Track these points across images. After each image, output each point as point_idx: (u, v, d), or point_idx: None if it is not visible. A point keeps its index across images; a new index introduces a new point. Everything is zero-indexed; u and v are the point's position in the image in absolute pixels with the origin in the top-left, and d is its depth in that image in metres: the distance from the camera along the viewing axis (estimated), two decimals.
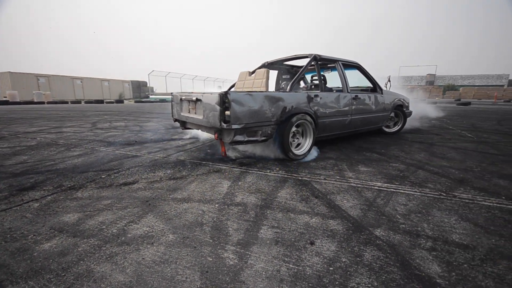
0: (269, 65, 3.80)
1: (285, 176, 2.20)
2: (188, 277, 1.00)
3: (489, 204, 1.65)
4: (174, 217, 1.48)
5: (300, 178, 2.14)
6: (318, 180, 2.10)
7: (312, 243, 1.23)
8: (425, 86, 44.68)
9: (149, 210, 1.57)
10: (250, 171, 2.32)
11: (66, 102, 17.21)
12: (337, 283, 0.97)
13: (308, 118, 2.73)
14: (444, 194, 1.80)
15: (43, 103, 16.20)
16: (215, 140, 2.75)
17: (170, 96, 3.55)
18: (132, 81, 30.81)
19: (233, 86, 3.83)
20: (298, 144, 2.80)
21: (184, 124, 3.14)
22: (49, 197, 1.76)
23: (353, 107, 3.29)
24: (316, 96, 2.85)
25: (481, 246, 1.20)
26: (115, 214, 1.52)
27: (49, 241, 1.24)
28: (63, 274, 1.02)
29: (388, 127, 4.39)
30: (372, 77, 3.75)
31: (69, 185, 1.98)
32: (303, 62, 3.42)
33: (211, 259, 1.11)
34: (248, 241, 1.25)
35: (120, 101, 18.33)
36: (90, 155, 2.93)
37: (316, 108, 2.83)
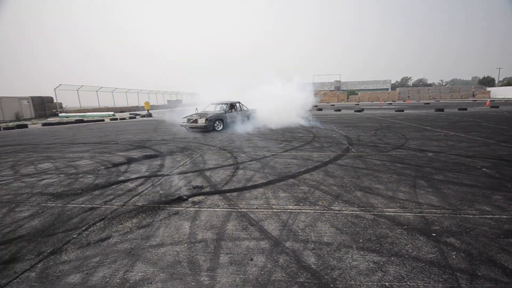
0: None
1: (229, 210, 3.03)
2: None
3: (347, 212, 2.87)
4: (158, 261, 2.12)
5: (240, 210, 3.01)
6: (252, 210, 3.01)
7: (251, 259, 2.10)
8: (334, 92, 52.69)
9: (135, 259, 2.16)
10: (203, 209, 3.06)
11: None
12: (265, 278, 1.86)
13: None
14: (326, 209, 2.97)
15: None
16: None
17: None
18: (32, 97, 26.08)
19: None
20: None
21: None
22: (39, 265, 2.11)
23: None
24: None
25: (336, 242, 2.31)
26: (110, 267, 2.05)
27: None
28: None
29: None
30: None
31: (49, 251, 2.31)
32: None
33: (194, 283, 1.85)
34: (213, 266, 2.03)
35: (22, 125, 15.52)
36: (44, 214, 3.09)
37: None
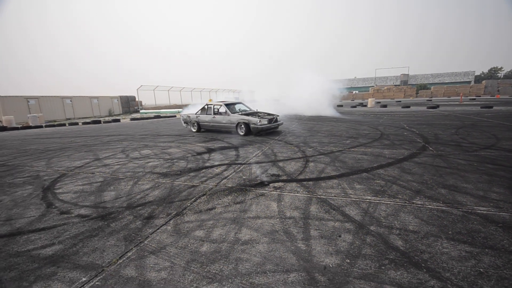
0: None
1: (309, 195, 3.36)
2: (288, 256, 2.13)
3: (431, 207, 2.89)
4: (259, 229, 2.59)
5: (319, 197, 3.30)
6: (331, 197, 3.28)
7: (339, 236, 2.38)
8: (400, 86, 47.67)
9: (240, 225, 2.67)
10: (284, 194, 3.46)
11: (63, 124, 17.57)
12: (356, 251, 2.13)
13: None
14: (408, 202, 3.03)
15: (40, 126, 16.51)
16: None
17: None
18: (121, 97, 31.11)
19: None
20: None
21: None
22: (170, 222, 2.82)
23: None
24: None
25: (422, 231, 2.41)
26: (223, 229, 2.61)
27: (202, 247, 2.32)
28: (223, 258, 2.12)
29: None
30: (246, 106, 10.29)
31: (174, 213, 3.03)
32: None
33: (293, 247, 2.24)
34: (306, 237, 2.39)
35: (116, 119, 18.87)
36: (159, 187, 3.94)
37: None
